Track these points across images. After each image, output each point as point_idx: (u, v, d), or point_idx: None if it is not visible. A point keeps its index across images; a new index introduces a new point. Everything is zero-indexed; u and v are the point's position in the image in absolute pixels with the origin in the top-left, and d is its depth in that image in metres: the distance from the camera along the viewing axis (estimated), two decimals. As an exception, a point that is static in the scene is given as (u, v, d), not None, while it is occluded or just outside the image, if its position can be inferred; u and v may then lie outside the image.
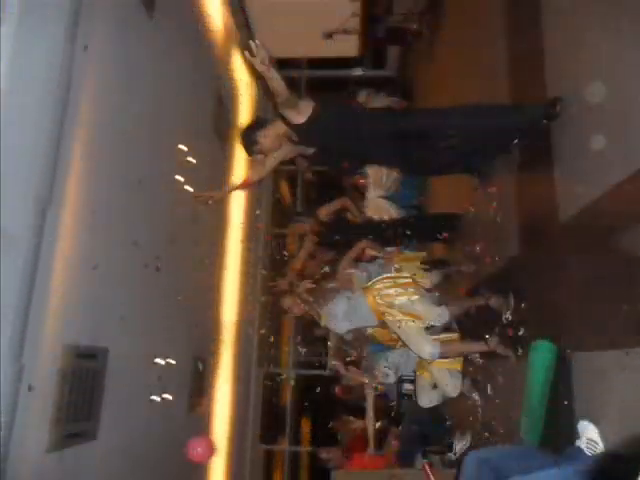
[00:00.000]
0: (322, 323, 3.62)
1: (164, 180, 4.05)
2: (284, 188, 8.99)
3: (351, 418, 6.20)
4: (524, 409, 2.56)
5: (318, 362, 6.03)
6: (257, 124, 3.01)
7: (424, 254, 4.61)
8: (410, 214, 5.19)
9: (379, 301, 3.30)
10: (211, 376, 5.31)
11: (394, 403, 5.53)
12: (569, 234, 2.37)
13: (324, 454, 5.01)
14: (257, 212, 7.16)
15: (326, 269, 4.51)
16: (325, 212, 4.96)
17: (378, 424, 4.63)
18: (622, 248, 1.95)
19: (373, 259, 4.15)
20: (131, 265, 3.53)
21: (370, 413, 4.44)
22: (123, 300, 3.44)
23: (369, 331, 4.14)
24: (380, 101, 5.99)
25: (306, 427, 8.51)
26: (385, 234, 4.32)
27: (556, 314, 2.48)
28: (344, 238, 4.39)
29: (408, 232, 4.35)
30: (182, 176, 4.23)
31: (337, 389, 5.52)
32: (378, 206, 5.28)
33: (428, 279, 3.86)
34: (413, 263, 4.22)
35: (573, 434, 2.13)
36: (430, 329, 3.34)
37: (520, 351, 2.80)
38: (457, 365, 3.70)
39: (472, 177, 3.65)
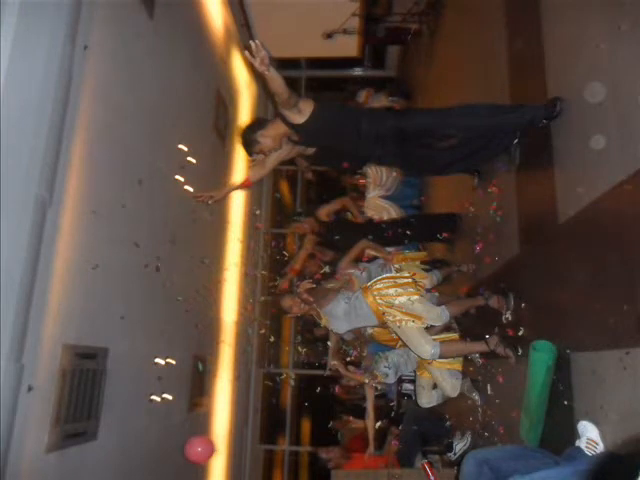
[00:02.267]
0: (322, 323, 3.62)
1: (164, 180, 4.05)
2: (284, 188, 8.99)
3: (351, 418, 6.21)
4: (524, 409, 2.56)
5: (318, 362, 6.02)
6: (257, 124, 3.00)
7: (424, 254, 4.61)
8: (410, 214, 5.20)
9: (379, 301, 3.29)
10: (211, 376, 5.31)
11: (394, 403, 5.54)
12: (569, 234, 2.37)
13: (324, 454, 4.99)
14: (257, 212, 7.17)
15: (326, 269, 4.51)
16: (325, 212, 4.97)
17: (378, 424, 4.61)
18: (622, 248, 1.95)
19: (373, 259, 4.15)
20: (131, 265, 3.53)
21: (370, 413, 4.44)
22: (123, 300, 3.44)
23: (369, 331, 4.14)
24: (379, 101, 6.00)
25: (306, 427, 8.50)
26: (385, 234, 4.33)
27: (556, 314, 2.48)
28: (344, 238, 4.39)
29: (408, 232, 4.35)
30: (182, 176, 4.24)
31: (337, 389, 5.51)
32: (378, 206, 5.30)
33: (428, 279, 3.85)
34: (413, 263, 4.22)
35: (573, 434, 2.13)
36: (430, 329, 3.34)
37: (520, 351, 2.81)
38: (457, 365, 3.70)
39: (472, 177, 3.66)
